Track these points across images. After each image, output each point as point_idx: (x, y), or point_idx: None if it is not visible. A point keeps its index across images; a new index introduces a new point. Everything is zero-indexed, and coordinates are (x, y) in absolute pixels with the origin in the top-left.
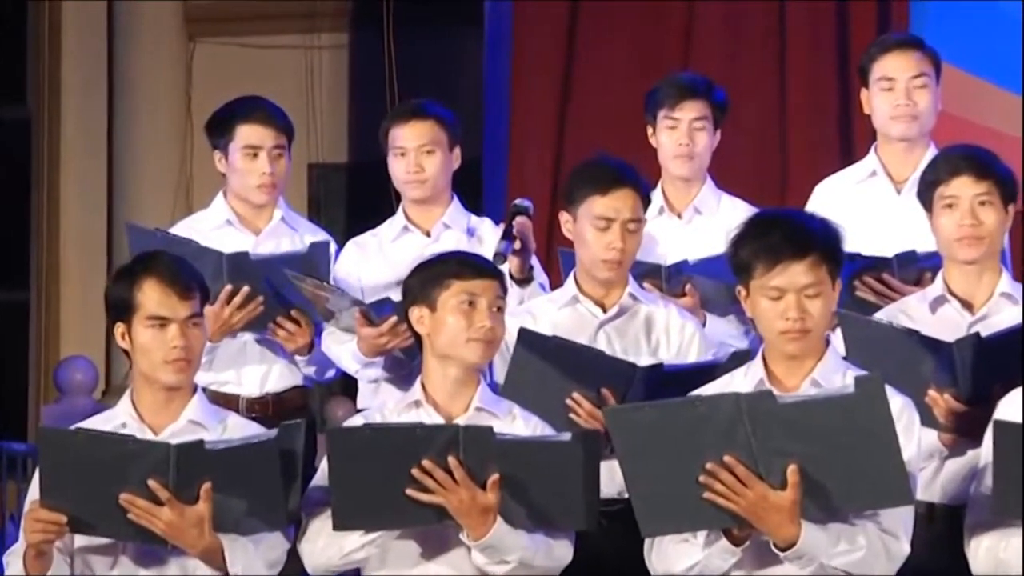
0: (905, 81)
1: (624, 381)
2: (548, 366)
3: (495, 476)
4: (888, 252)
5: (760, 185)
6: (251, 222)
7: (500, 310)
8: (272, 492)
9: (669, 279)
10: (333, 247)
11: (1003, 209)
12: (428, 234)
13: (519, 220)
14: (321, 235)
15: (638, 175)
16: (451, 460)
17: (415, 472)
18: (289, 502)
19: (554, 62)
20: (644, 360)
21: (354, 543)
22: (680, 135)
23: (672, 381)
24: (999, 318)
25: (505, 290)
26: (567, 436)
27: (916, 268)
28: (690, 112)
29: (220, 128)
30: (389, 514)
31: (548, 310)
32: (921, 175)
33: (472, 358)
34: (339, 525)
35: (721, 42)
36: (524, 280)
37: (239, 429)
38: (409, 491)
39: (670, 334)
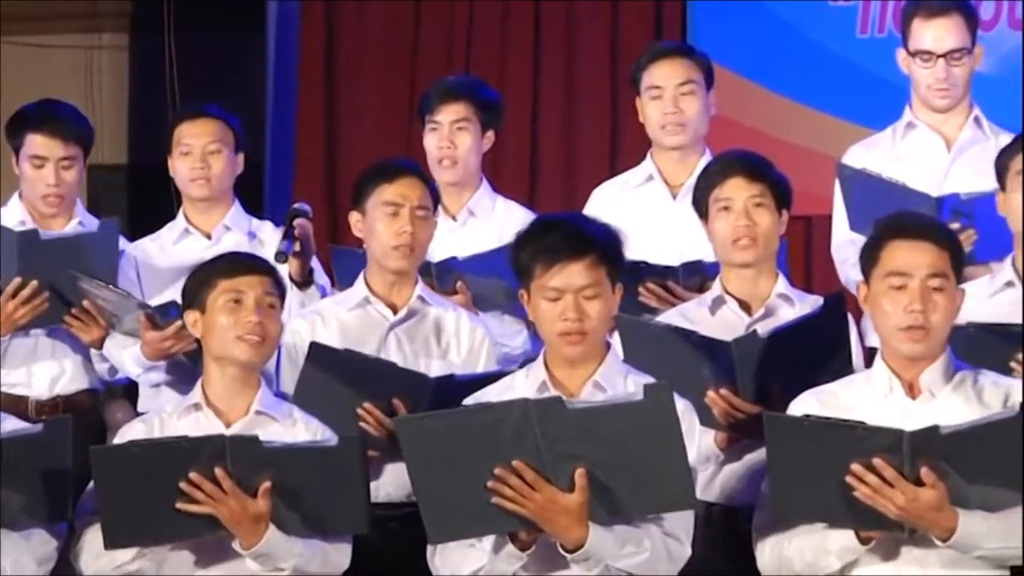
0: (672, 89)
1: (416, 392)
2: (339, 378)
3: (266, 484)
4: (665, 257)
5: (529, 187)
6: (47, 224)
7: (272, 307)
8: (39, 487)
9: (439, 277)
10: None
11: (776, 212)
12: (209, 236)
13: (299, 222)
14: None
15: (424, 170)
16: (218, 471)
17: (183, 485)
18: (58, 498)
19: (340, 67)
20: (435, 363)
21: (127, 555)
22: (441, 138)
23: (464, 391)
24: (776, 318)
25: (279, 286)
26: (334, 440)
27: (700, 277)
28: (450, 115)
29: (13, 132)
30: (160, 529)
31: (337, 312)
32: (696, 181)
33: (242, 356)
34: (110, 544)
35: (495, 44)
36: (304, 283)
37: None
38: (179, 504)
39: (460, 337)
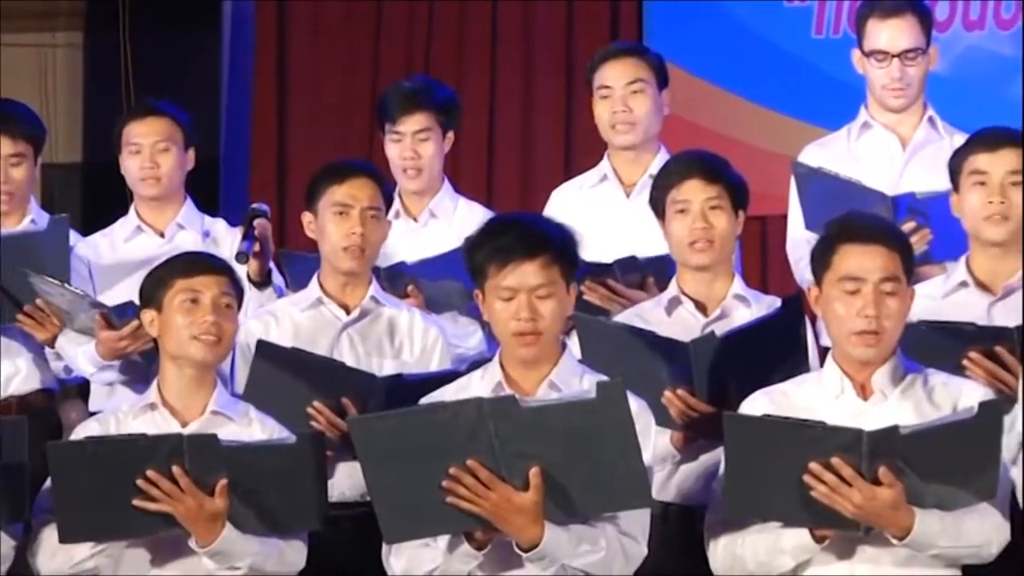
0: (621, 89)
1: (365, 391)
2: (288, 376)
3: (223, 482)
4: (617, 255)
5: (486, 187)
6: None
7: (229, 306)
8: None
9: (391, 280)
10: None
11: (733, 213)
12: (162, 234)
13: (259, 222)
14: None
15: (377, 169)
16: (175, 469)
17: (140, 483)
18: (15, 498)
19: (295, 65)
20: (388, 363)
21: (83, 552)
22: (404, 148)
23: (413, 391)
24: (732, 319)
25: (237, 286)
26: (292, 438)
27: (638, 272)
28: (412, 125)
29: None
30: (116, 525)
31: (290, 312)
32: (653, 182)
33: (198, 356)
34: (64, 539)
35: (451, 44)
36: (263, 283)
37: None
38: (136, 501)
39: (413, 338)
